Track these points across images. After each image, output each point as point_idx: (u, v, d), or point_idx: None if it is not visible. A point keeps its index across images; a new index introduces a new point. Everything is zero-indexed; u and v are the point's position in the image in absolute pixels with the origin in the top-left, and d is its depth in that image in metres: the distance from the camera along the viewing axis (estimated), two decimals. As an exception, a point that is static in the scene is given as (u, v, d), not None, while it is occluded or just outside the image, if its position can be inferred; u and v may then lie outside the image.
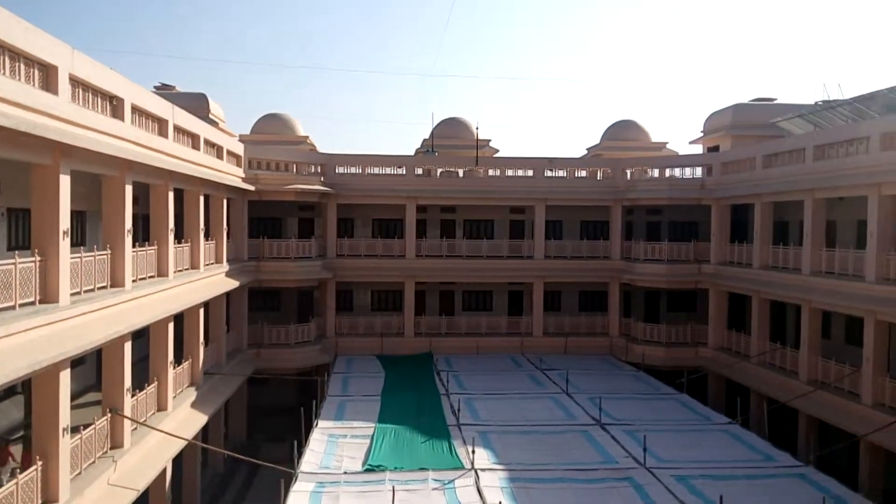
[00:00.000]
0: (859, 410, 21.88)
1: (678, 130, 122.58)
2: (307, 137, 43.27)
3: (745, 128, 36.74)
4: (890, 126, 21.78)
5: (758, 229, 28.73)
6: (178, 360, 21.91)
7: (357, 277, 33.63)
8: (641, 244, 33.25)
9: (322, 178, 32.56)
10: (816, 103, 31.19)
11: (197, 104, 34.75)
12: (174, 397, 20.76)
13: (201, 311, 23.44)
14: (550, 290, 34.88)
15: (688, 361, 31.31)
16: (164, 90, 37.16)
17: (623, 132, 43.99)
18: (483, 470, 17.92)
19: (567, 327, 34.34)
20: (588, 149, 46.55)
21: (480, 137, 41.17)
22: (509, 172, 35.02)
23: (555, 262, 34.09)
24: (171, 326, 20.42)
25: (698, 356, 31.69)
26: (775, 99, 38.75)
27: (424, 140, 45.17)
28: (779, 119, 31.99)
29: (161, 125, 19.69)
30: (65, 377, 13.55)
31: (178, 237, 22.25)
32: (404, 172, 34.17)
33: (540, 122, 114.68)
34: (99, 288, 15.64)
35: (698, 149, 41.11)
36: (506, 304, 35.85)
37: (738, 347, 29.98)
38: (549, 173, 34.79)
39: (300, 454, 18.59)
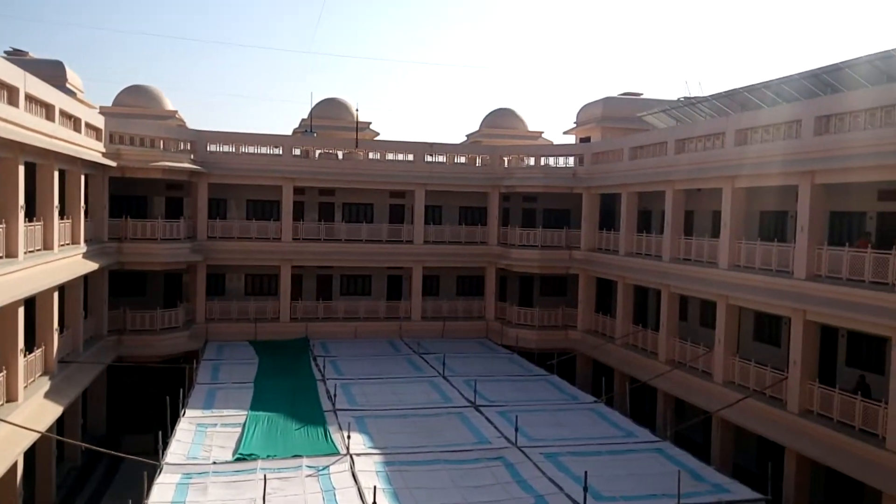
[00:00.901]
0: (712, 388, 23.54)
1: (553, 120, 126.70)
2: (175, 112, 41.15)
3: (615, 120, 38.48)
4: (743, 123, 23.42)
5: (624, 218, 30.19)
6: (30, 347, 20.33)
7: (230, 261, 32.43)
8: (517, 230, 34.12)
9: (192, 156, 31.09)
10: (679, 99, 33.10)
11: (53, 72, 32.20)
12: (25, 387, 19.27)
13: (55, 294, 21.82)
14: (429, 274, 35.15)
15: (559, 344, 32.55)
16: (16, 56, 34.19)
17: (501, 120, 44.85)
18: (358, 455, 17.85)
19: (445, 311, 34.76)
20: (468, 135, 47.14)
21: (361, 119, 40.70)
22: (390, 156, 34.85)
23: (434, 246, 34.35)
24: (21, 311, 18.89)
25: (568, 338, 32.99)
26: (642, 94, 40.78)
27: (303, 120, 44.11)
28: (644, 113, 33.66)
29: (11, 93, 18.07)
30: None
31: (30, 215, 20.58)
32: (281, 153, 33.23)
33: (421, 108, 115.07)
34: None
35: (571, 139, 42.63)
36: (385, 289, 35.79)
37: (604, 330, 31.47)
38: (429, 158, 34.94)
39: (165, 445, 17.77)
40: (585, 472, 15.34)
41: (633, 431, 20.78)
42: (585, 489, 15.00)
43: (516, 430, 19.30)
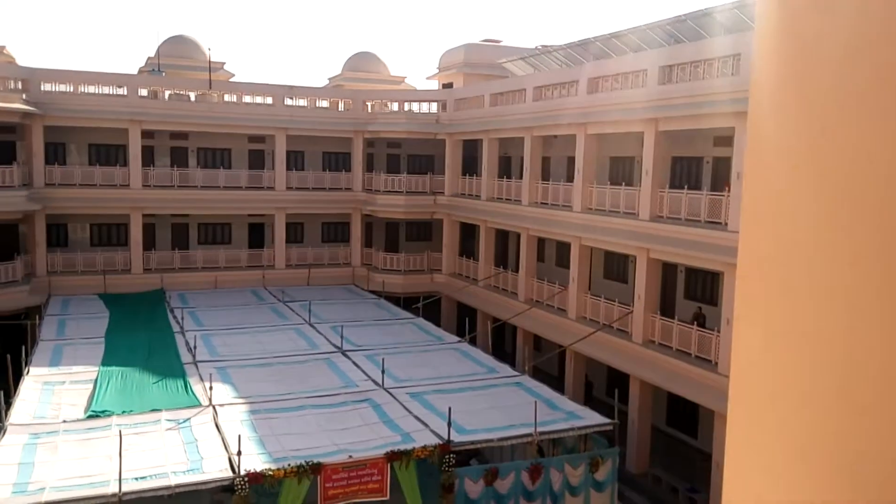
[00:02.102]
0: (566, 324, 24.94)
1: (416, 66, 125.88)
2: (3, 48, 37.22)
3: (476, 66, 38.85)
4: (596, 72, 24.40)
5: (485, 164, 30.85)
6: None
7: (72, 209, 30.13)
8: (382, 176, 34.01)
9: (24, 96, 28.36)
10: (536, 47, 33.88)
11: None
12: None
13: None
14: (293, 221, 34.43)
15: (424, 287, 33.13)
16: None
17: (364, 63, 44.10)
18: (222, 405, 17.51)
19: (310, 259, 34.30)
20: (329, 79, 46.02)
21: (214, 60, 38.63)
22: (247, 99, 33.45)
23: (297, 193, 33.60)
24: None
25: (434, 282, 33.65)
26: (501, 41, 41.33)
27: (149, 59, 41.24)
28: (504, 60, 34.23)
29: None
30: None
31: None
32: (126, 93, 30.98)
33: (280, 50, 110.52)
34: None
35: (434, 84, 42.67)
36: (246, 237, 34.71)
37: (468, 273, 32.34)
38: (289, 102, 33.86)
39: (8, 406, 16.61)
40: (449, 408, 15.93)
41: (495, 368, 21.70)
42: (449, 424, 15.60)
43: (383, 372, 19.61)
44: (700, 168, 22.52)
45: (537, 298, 27.08)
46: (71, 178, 30.04)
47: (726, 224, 18.80)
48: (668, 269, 22.95)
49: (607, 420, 17.40)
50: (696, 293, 22.87)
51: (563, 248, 27.59)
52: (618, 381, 22.06)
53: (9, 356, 19.01)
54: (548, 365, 26.93)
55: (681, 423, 23.13)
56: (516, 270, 28.95)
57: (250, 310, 28.46)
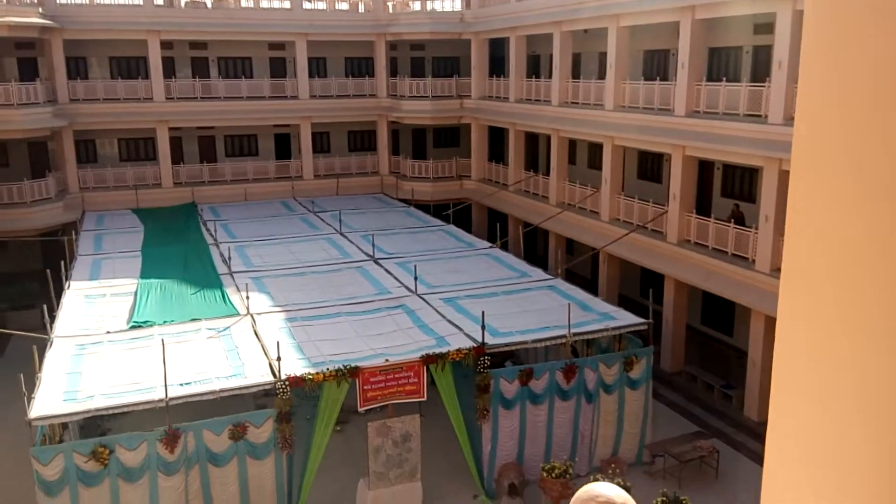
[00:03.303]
0: (599, 227, 24.64)
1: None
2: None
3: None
4: (629, -41, 23.03)
5: (513, 63, 29.83)
6: None
7: (98, 125, 30.05)
8: (406, 81, 33.18)
9: (41, 10, 27.81)
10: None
11: None
12: None
13: None
14: (318, 131, 34.02)
15: (454, 194, 32.86)
16: None
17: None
18: (259, 314, 17.78)
19: (338, 168, 34.07)
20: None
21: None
22: (264, 4, 32.44)
23: (321, 101, 33.02)
24: None
25: (463, 188, 33.32)
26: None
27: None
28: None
29: None
30: None
31: None
32: (142, 3, 30.20)
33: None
34: None
35: (458, -18, 40.90)
36: (272, 148, 34.47)
37: (497, 178, 31.91)
38: (308, 5, 32.79)
39: (53, 319, 17.06)
40: (483, 312, 15.97)
41: (527, 272, 21.63)
42: (483, 327, 15.67)
43: (415, 278, 19.66)
44: (739, 58, 21.48)
45: (569, 202, 26.69)
46: (94, 93, 29.81)
47: (766, 117, 18.05)
48: (705, 167, 22.33)
49: (641, 320, 17.34)
50: (733, 190, 22.30)
51: (595, 149, 26.95)
52: (652, 281, 21.90)
53: (49, 271, 19.39)
54: (581, 268, 26.83)
55: (716, 321, 23.06)
56: (547, 174, 28.45)
57: (281, 221, 28.56)
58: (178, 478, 13.41)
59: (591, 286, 23.08)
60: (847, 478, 1.42)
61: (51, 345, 15.72)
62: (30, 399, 13.03)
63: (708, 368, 21.36)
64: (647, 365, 16.98)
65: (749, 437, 18.14)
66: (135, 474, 13.09)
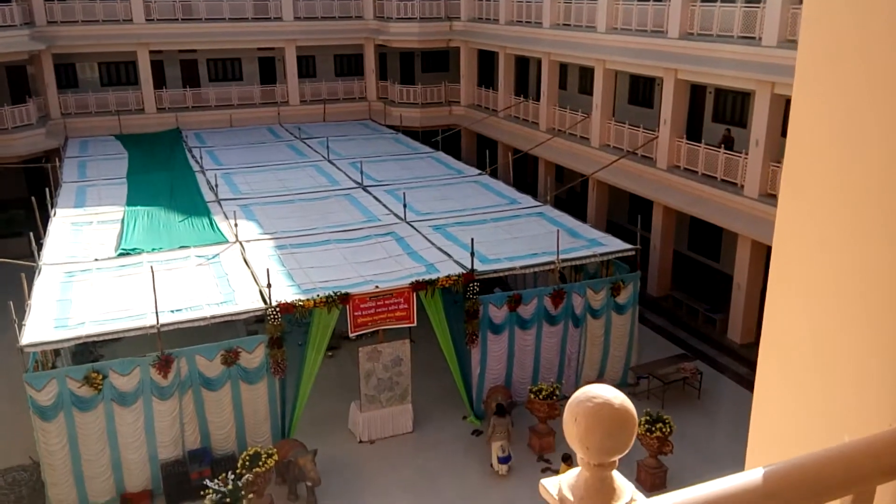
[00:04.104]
0: (589, 153, 24.48)
1: None
2: None
3: None
4: None
5: (504, -16, 28.98)
6: None
7: (78, 48, 29.17)
8: (394, 2, 32.21)
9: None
10: None
11: None
12: None
13: None
14: (304, 55, 33.21)
15: (443, 120, 32.43)
16: None
17: None
18: (248, 241, 17.74)
19: (324, 94, 33.43)
20: None
21: None
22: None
23: (306, 23, 32.11)
24: None
25: (452, 114, 32.88)
26: None
27: None
28: None
29: None
30: None
31: None
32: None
33: None
34: None
35: None
36: (257, 73, 33.69)
37: (487, 103, 31.47)
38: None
39: (40, 247, 16.96)
40: (472, 239, 16.00)
41: (516, 199, 21.59)
42: (472, 254, 15.73)
43: (405, 206, 19.59)
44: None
45: (559, 127, 26.42)
46: (73, 15, 28.83)
47: (760, 39, 17.73)
48: (697, 91, 22.07)
49: (629, 246, 17.45)
50: (724, 115, 22.11)
51: (586, 74, 26.52)
52: (641, 208, 21.94)
53: (34, 199, 19.17)
54: (570, 195, 26.80)
55: (703, 247, 23.25)
56: (537, 99, 28.05)
57: (268, 147, 28.19)
58: (173, 402, 13.64)
59: (579, 213, 23.09)
60: (833, 391, 1.45)
61: (39, 272, 15.69)
62: (20, 326, 13.08)
63: (693, 293, 21.66)
64: (633, 290, 17.18)
65: (732, 360, 18.57)
66: (129, 399, 13.29)
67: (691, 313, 20.99)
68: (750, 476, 1.24)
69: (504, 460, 14.35)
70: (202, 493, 12.10)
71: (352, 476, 14.53)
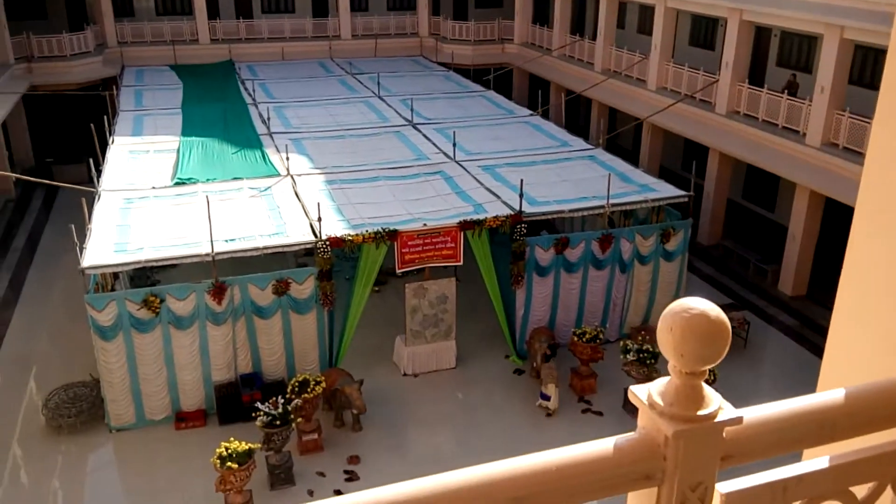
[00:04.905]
0: (645, 95, 23.86)
1: None
2: None
3: None
4: None
5: (565, -85, 27.92)
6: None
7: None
8: (449, -66, 31.41)
9: None
10: None
11: None
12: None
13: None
14: (356, -14, 32.75)
15: (495, 58, 31.85)
16: None
17: None
18: (299, 175, 17.93)
19: (376, 28, 33.04)
20: None
21: None
22: None
23: (358, -47, 31.54)
24: None
25: (505, 53, 32.24)
26: None
27: None
28: None
29: None
30: None
31: None
32: None
33: None
34: None
35: None
36: (310, 5, 33.36)
37: (541, 42, 30.74)
38: None
39: (99, 173, 17.44)
40: (521, 180, 15.90)
41: (567, 141, 21.27)
42: (521, 195, 15.66)
43: (454, 145, 19.49)
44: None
45: (615, 68, 25.73)
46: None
47: (835, -21, 16.83)
48: (761, 34, 21.19)
49: (682, 192, 17.14)
50: (789, 60, 21.23)
51: (646, 12, 25.63)
52: (696, 153, 21.44)
53: (92, 125, 19.61)
54: (623, 138, 26.29)
55: (758, 196, 22.70)
56: (594, 38, 27.28)
57: (319, 82, 28.16)
58: (226, 328, 14.11)
59: (632, 157, 22.69)
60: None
61: (99, 198, 16.17)
62: (81, 249, 13.58)
63: (745, 243, 21.27)
64: (684, 237, 16.95)
65: (781, 311, 18.32)
66: (185, 322, 13.80)
67: (742, 263, 20.66)
68: (831, 395, 1.27)
69: (543, 397, 14.57)
70: (253, 415, 12.60)
71: (395, 407, 14.95)
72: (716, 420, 1.24)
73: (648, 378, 14.13)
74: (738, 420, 1.25)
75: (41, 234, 22.62)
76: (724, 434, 1.26)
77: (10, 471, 13.19)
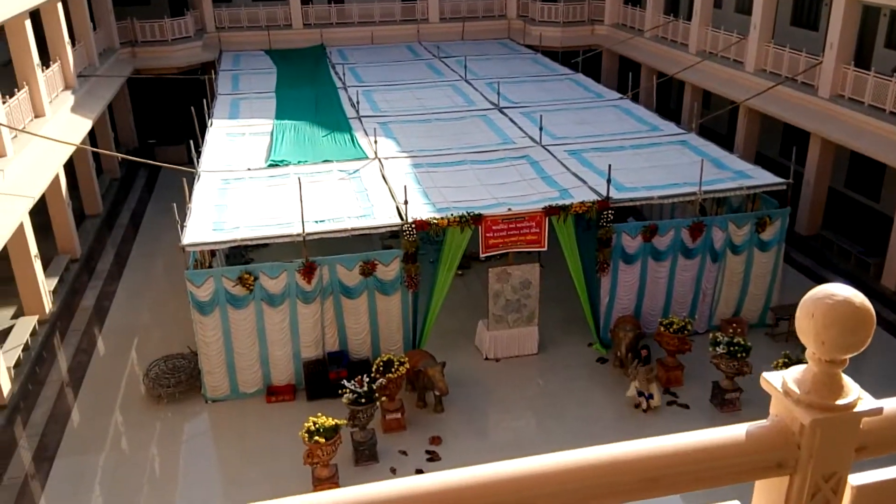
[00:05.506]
0: (742, 78, 22.93)
1: None
2: None
3: None
4: None
5: None
6: (45, 62, 19.98)
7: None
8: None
9: None
10: None
11: None
12: (50, 102, 19.32)
13: (59, 5, 20.84)
14: (444, -31, 32.73)
15: (584, 40, 31.28)
16: None
17: None
18: (386, 158, 18.18)
19: (464, 11, 32.99)
20: None
21: None
22: None
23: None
24: (28, 25, 18.19)
25: (594, 34, 31.61)
26: None
27: None
28: None
29: None
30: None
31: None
32: None
33: None
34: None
35: None
36: (398, -11, 33.63)
37: (633, 23, 29.97)
38: None
39: (199, 154, 18.19)
40: (609, 166, 15.60)
41: (658, 125, 20.70)
42: (609, 181, 15.37)
43: (541, 129, 19.29)
44: None
45: (710, 50, 24.82)
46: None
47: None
48: (869, 13, 19.96)
49: (780, 179, 16.43)
50: (901, 40, 19.95)
51: (745, -8, 24.55)
52: (795, 139, 20.47)
53: (192, 108, 20.45)
54: (717, 123, 25.38)
55: (862, 184, 21.52)
56: (688, 18, 26.37)
57: (407, 66, 28.39)
58: (315, 306, 14.54)
59: (727, 143, 21.88)
60: None
61: (198, 178, 16.88)
62: (182, 227, 14.24)
63: (846, 234, 20.22)
64: (780, 227, 16.27)
65: (884, 307, 17.36)
66: (276, 300, 14.29)
67: (843, 255, 19.67)
68: None
69: (642, 394, 14.21)
70: (340, 392, 12.95)
71: (477, 390, 15.06)
72: (854, 410, 1.21)
73: (739, 372, 13.70)
74: (878, 411, 1.21)
75: (144, 212, 23.85)
76: (861, 425, 1.22)
77: (111, 436, 14.04)
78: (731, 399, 14.08)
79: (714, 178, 16.33)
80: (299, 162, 18.05)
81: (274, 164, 17.90)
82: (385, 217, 14.97)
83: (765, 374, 1.34)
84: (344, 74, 26.13)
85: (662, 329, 14.81)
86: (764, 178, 16.65)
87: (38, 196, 16.14)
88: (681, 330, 14.63)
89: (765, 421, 1.27)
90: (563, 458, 1.13)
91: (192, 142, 18.17)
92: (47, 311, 17.49)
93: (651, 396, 14.06)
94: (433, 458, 13.23)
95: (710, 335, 14.52)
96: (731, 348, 13.70)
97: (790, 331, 16.21)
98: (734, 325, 15.14)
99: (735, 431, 1.22)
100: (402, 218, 14.70)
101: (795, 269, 19.04)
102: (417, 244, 14.76)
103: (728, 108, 23.13)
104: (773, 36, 22.66)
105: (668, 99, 28.71)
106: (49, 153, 17.66)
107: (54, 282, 18.57)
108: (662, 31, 27.80)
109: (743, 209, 16.86)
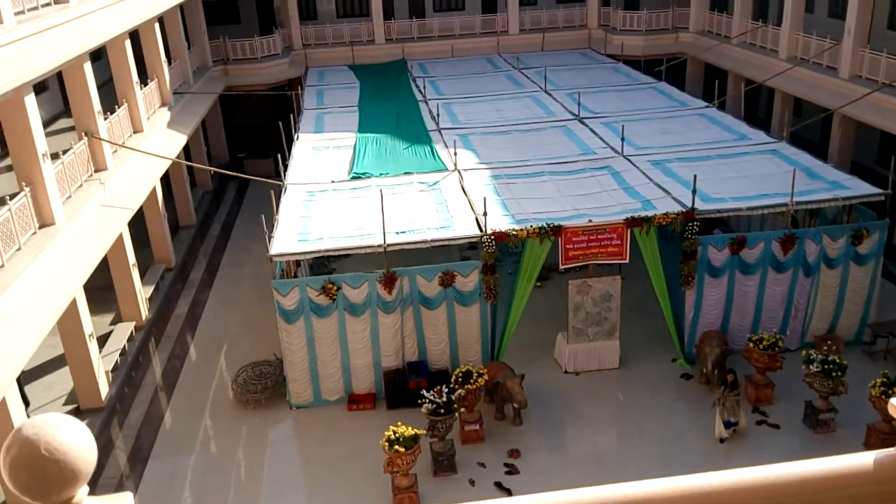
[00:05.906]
0: (835, 85, 21.98)
1: None
2: None
3: None
4: None
5: None
6: (143, 81, 21.10)
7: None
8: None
9: None
10: None
11: None
12: (148, 118, 20.36)
13: (157, 25, 21.99)
14: (525, -19, 32.77)
15: (668, 48, 30.66)
16: None
17: None
18: (466, 170, 18.28)
19: (544, 22, 32.91)
20: None
21: None
22: None
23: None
24: (128, 45, 19.27)
25: (678, 42, 30.94)
26: None
27: None
28: None
29: None
30: (30, 102, 13.04)
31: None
32: None
33: None
34: (42, 6, 14.43)
35: None
36: (479, 2, 33.87)
37: (719, 29, 29.18)
38: None
39: (285, 167, 18.79)
40: (695, 176, 15.19)
41: (747, 134, 20.05)
42: (694, 191, 14.98)
43: (622, 139, 18.99)
44: None
45: (802, 55, 23.88)
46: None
47: None
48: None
49: (878, 190, 15.63)
50: None
51: (839, -5, 23.53)
52: (893, 147, 19.43)
53: (280, 123, 21.16)
54: (809, 131, 24.37)
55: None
56: (778, 24, 25.47)
57: (486, 78, 28.50)
58: (395, 316, 14.74)
59: (820, 152, 20.98)
60: None
61: (285, 190, 17.44)
62: (270, 238, 14.73)
63: (953, 249, 19.01)
64: (879, 240, 15.46)
65: None
66: (358, 309, 14.57)
67: (948, 270, 18.50)
68: None
69: (728, 425, 13.68)
70: (419, 401, 13.07)
71: (556, 403, 14.90)
72: None
73: (833, 392, 13.06)
74: None
75: (233, 223, 24.80)
76: None
77: (201, 439, 14.60)
78: (825, 420, 13.44)
79: (807, 189, 15.69)
80: (381, 174, 18.39)
81: (356, 177, 18.30)
82: (464, 228, 15.05)
83: (892, 400, 1.29)
84: (424, 87, 26.47)
85: (751, 345, 14.28)
86: (860, 188, 15.88)
87: (136, 208, 17.02)
88: (771, 346, 14.07)
89: (893, 450, 1.23)
90: (685, 483, 1.12)
91: (279, 155, 18.78)
92: (143, 317, 18.38)
93: (736, 423, 13.53)
94: (512, 471, 13.16)
95: (803, 352, 13.90)
96: (826, 367, 13.07)
97: (888, 349, 15.36)
98: (829, 341, 14.44)
99: (862, 459, 1.18)
100: (481, 229, 14.75)
101: (894, 284, 18.03)
102: (496, 255, 14.76)
103: (821, 115, 22.18)
104: (868, 40, 21.62)
105: (756, 107, 27.77)
106: (146, 167, 18.61)
107: (150, 290, 19.50)
108: (751, 37, 26.94)
109: (838, 221, 16.13)
